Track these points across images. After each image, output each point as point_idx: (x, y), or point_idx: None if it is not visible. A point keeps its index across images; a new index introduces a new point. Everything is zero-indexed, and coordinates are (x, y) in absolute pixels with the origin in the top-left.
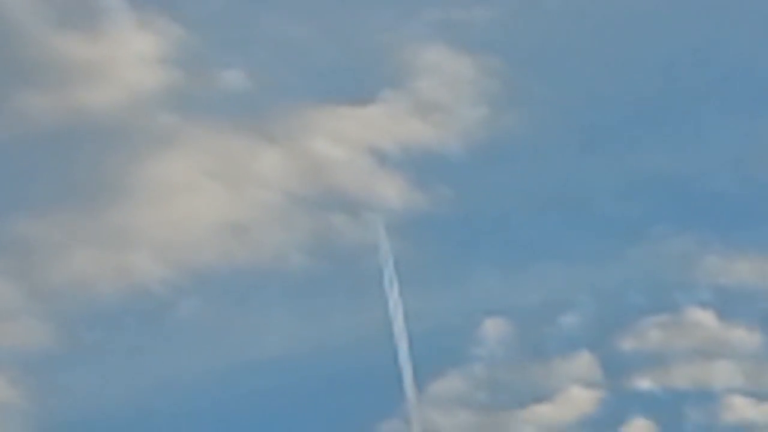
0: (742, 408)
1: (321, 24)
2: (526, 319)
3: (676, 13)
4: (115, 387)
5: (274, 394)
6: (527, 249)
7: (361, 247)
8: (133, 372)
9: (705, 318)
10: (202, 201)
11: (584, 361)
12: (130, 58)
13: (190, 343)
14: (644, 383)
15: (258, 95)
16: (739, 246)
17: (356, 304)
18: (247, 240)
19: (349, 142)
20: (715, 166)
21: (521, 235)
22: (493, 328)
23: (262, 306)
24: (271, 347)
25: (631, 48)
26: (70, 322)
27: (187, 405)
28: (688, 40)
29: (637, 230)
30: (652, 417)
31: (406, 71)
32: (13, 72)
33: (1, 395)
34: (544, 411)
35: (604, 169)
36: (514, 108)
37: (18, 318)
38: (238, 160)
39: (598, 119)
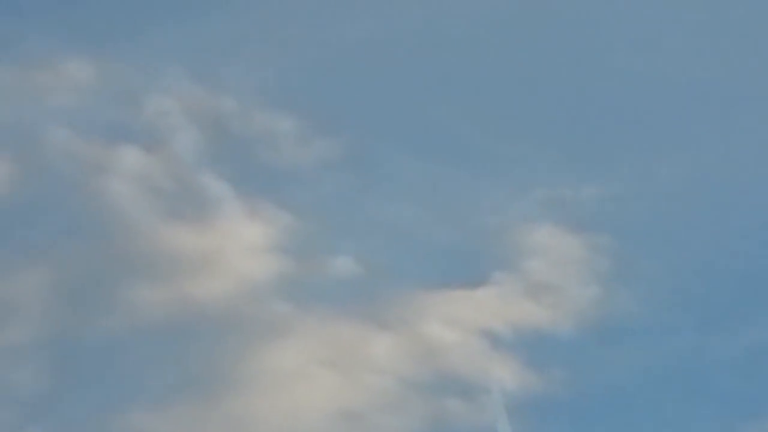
0: None
1: (429, 206)
2: None
3: None
4: None
5: None
6: (644, 427)
7: (478, 430)
8: None
9: None
10: (316, 389)
11: None
12: (239, 248)
13: None
14: None
15: (368, 281)
16: None
17: None
18: (363, 427)
19: (461, 325)
20: None
21: (637, 413)
22: None
23: None
24: None
25: (746, 220)
26: None
27: None
28: None
29: (755, 406)
30: None
31: (517, 252)
32: (124, 265)
33: None
34: None
35: (719, 343)
36: (626, 286)
37: None
38: (350, 346)
39: (713, 294)
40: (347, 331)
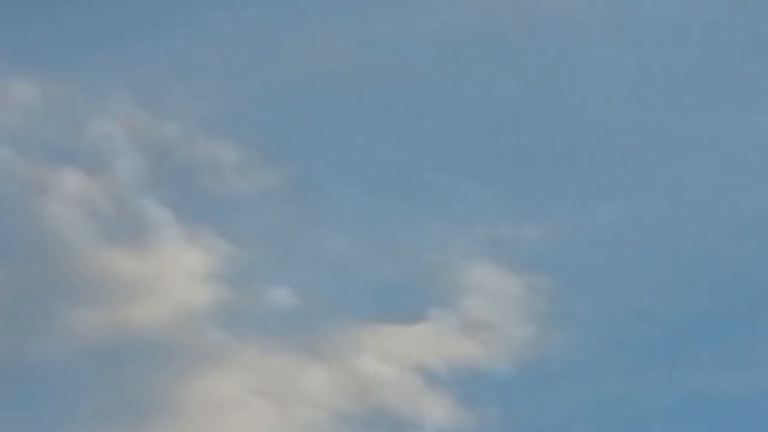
0: None
1: (370, 240)
2: None
3: (729, 229)
4: None
5: None
6: None
7: None
8: None
9: None
10: (248, 419)
11: None
12: (178, 274)
13: None
14: None
15: (306, 312)
16: None
17: None
18: None
19: (396, 360)
20: None
21: None
22: None
23: None
24: None
25: (683, 263)
26: None
27: None
28: (741, 256)
29: None
30: None
31: (455, 289)
32: (61, 288)
33: None
34: None
35: (655, 387)
36: (562, 326)
37: None
38: (285, 377)
39: (648, 337)
40: (282, 362)
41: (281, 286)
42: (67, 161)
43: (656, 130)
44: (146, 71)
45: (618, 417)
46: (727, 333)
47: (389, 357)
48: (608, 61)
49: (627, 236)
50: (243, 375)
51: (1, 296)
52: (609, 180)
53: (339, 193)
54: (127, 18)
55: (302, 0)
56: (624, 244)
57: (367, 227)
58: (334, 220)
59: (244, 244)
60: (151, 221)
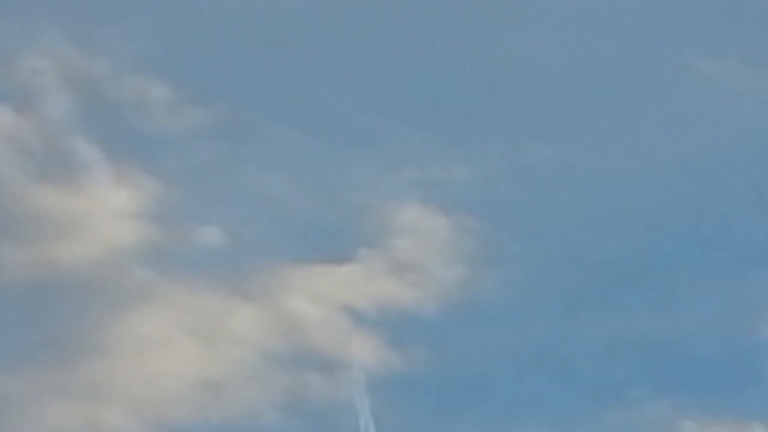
0: None
1: (300, 180)
2: None
3: (657, 174)
4: None
5: None
6: (505, 411)
7: (337, 406)
8: None
9: None
10: (176, 357)
11: None
12: (106, 213)
13: None
14: None
15: (234, 252)
16: (715, 412)
17: None
18: (222, 397)
19: (324, 300)
20: (696, 330)
21: (499, 397)
22: None
23: None
24: None
25: (613, 207)
26: None
27: None
28: (670, 201)
29: (616, 394)
30: None
31: (383, 230)
32: None
33: None
34: None
35: (583, 331)
36: (492, 268)
37: None
38: (213, 316)
39: (578, 280)
40: (210, 301)
41: (210, 225)
42: None
43: (589, 73)
44: (76, 9)
45: (547, 359)
46: (655, 276)
47: (317, 297)
48: (544, 5)
49: (557, 179)
50: (171, 314)
51: None
52: (540, 122)
53: (270, 133)
54: None
55: None
56: (554, 186)
57: (297, 167)
58: (264, 159)
59: (173, 182)
60: (81, 159)
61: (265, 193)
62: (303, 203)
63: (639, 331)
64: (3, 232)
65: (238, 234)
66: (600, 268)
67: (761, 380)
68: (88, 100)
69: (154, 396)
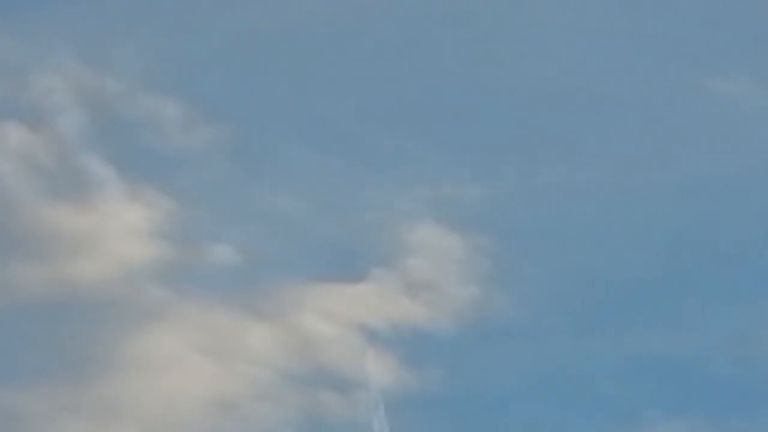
0: None
1: (313, 198)
2: None
3: (672, 193)
4: None
5: None
6: (521, 430)
7: (352, 425)
8: None
9: None
10: (191, 376)
11: None
12: (120, 231)
13: None
14: None
15: (248, 270)
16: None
17: None
18: (236, 416)
19: (339, 319)
20: (712, 350)
21: (513, 416)
22: None
23: None
24: None
25: (628, 226)
26: None
27: None
28: (685, 220)
29: (632, 414)
30: None
31: (397, 249)
32: (2, 243)
33: None
34: None
35: (599, 350)
36: (505, 287)
37: None
38: (227, 335)
39: (593, 299)
40: (224, 319)
41: (224, 243)
42: (9, 116)
43: (603, 94)
44: (90, 26)
45: (562, 378)
46: (673, 297)
47: (332, 316)
48: (556, 24)
49: (571, 198)
50: (185, 332)
51: None
52: (555, 141)
53: (283, 151)
54: None
55: None
56: (567, 205)
57: (310, 186)
58: (277, 178)
59: (186, 200)
60: (94, 177)
61: (279, 212)
62: (316, 222)
63: (656, 350)
64: (16, 249)
65: (251, 252)
66: (615, 287)
67: None
68: (100, 118)
69: (167, 414)
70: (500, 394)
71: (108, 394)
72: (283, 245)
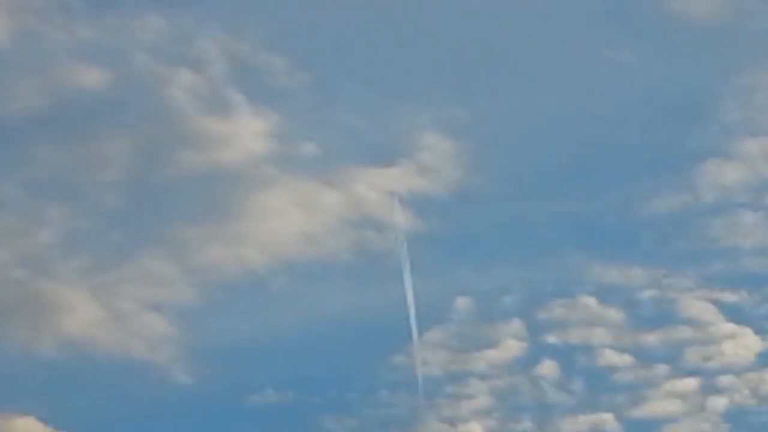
0: None
1: (364, 119)
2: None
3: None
4: None
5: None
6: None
7: (385, 253)
8: None
9: None
10: (289, 220)
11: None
12: (247, 133)
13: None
14: None
15: (324, 158)
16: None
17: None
18: (315, 245)
19: (379, 189)
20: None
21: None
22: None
23: None
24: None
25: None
26: None
27: None
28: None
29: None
30: None
31: (414, 148)
32: (172, 139)
33: None
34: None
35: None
36: (481, 170)
37: None
38: (311, 197)
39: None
40: (309, 187)
41: (309, 142)
42: (180, 65)
43: (510, 53)
44: (230, 8)
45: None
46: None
47: (375, 186)
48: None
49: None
50: (285, 194)
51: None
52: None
53: (349, 87)
54: None
55: None
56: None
57: (362, 110)
58: (344, 105)
59: (287, 116)
60: (232, 100)
61: (343, 125)
62: (367, 130)
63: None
64: (183, 143)
65: (325, 148)
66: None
67: None
68: (236, 66)
69: (274, 243)
70: (475, 237)
71: (239, 230)
72: (347, 144)
